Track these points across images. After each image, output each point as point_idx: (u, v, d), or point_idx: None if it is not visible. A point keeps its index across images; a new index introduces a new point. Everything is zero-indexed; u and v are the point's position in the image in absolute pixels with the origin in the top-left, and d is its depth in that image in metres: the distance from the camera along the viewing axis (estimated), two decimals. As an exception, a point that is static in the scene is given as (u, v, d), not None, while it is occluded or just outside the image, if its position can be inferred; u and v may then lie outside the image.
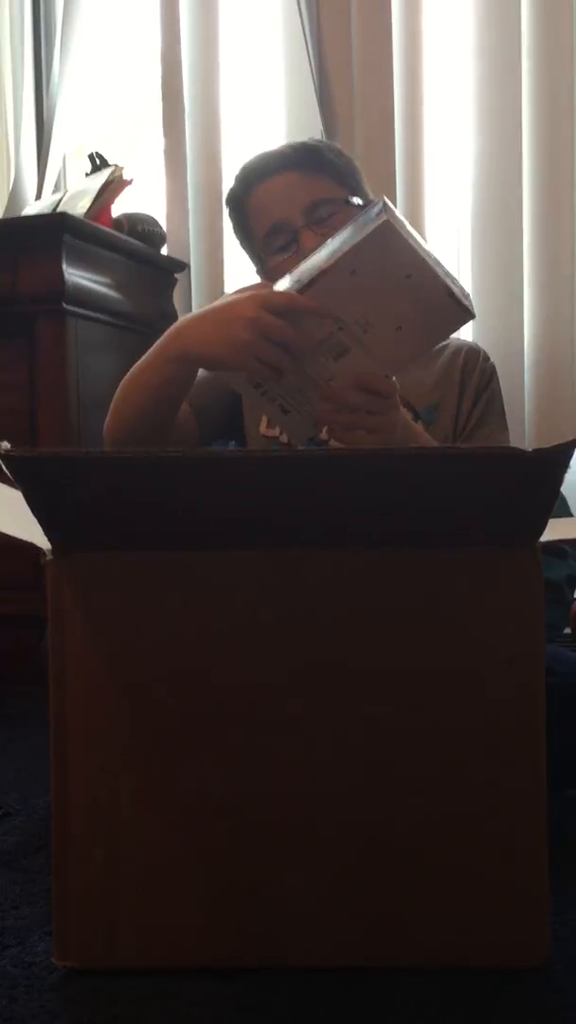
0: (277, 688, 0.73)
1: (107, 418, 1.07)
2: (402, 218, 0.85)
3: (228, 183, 1.25)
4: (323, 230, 1.10)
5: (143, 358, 1.03)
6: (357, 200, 1.17)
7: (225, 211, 1.27)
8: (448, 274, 0.86)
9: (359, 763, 0.73)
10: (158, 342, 1.00)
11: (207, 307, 0.99)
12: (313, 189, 1.15)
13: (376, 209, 0.84)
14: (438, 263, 0.85)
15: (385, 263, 0.83)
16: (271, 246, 1.17)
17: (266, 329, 0.87)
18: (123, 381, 1.06)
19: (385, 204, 0.83)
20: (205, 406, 1.18)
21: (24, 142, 2.26)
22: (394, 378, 0.92)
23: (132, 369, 1.04)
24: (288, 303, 0.87)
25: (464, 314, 0.86)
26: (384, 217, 0.82)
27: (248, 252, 1.25)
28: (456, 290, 0.85)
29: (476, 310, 0.89)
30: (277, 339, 0.87)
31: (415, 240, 0.84)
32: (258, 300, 0.88)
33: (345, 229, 0.87)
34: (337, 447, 0.98)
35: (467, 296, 0.87)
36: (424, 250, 0.84)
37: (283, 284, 0.90)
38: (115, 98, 2.37)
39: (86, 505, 0.70)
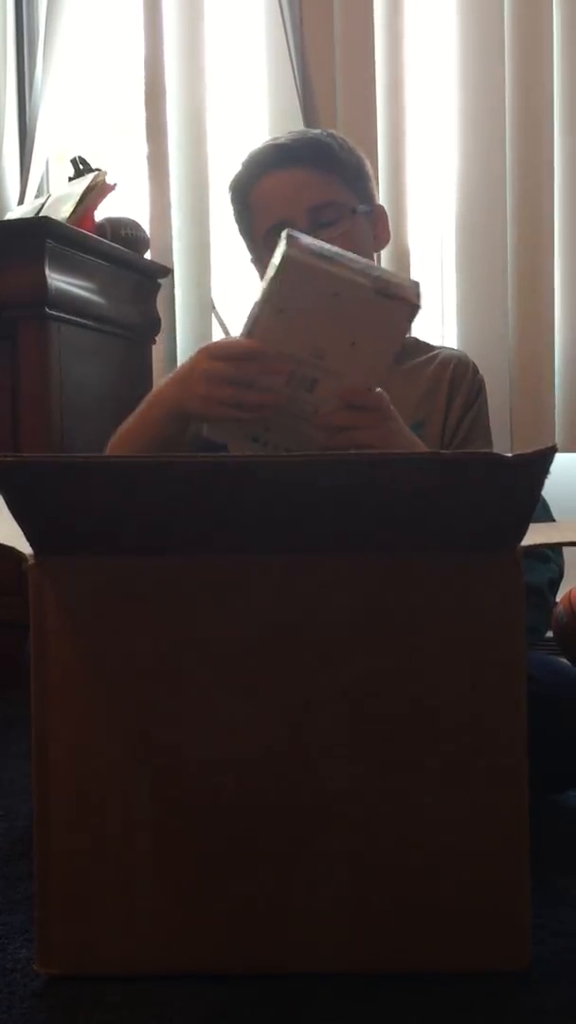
0: (260, 692, 0.73)
1: None
2: (309, 241, 0.84)
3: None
4: (328, 236, 1.07)
5: (129, 420, 1.04)
6: (364, 208, 1.16)
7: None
8: (378, 275, 0.84)
9: (344, 772, 0.73)
10: (140, 409, 1.03)
11: (173, 371, 1.03)
12: (321, 190, 1.13)
13: (281, 245, 0.84)
14: (364, 269, 0.84)
15: (305, 293, 0.84)
16: (273, 244, 1.16)
17: (214, 375, 0.91)
18: (112, 442, 1.06)
19: (288, 236, 0.83)
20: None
21: (6, 146, 2.25)
22: (379, 389, 0.92)
23: (119, 431, 1.05)
24: (229, 349, 0.92)
25: (405, 305, 0.85)
26: (284, 253, 0.82)
27: (246, 241, 1.24)
28: (392, 288, 0.84)
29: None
30: (230, 380, 0.90)
31: (328, 257, 0.83)
32: (205, 352, 0.94)
33: (270, 267, 0.87)
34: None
35: (407, 287, 0.85)
36: (341, 263, 0.84)
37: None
38: (98, 102, 2.36)
39: (68, 510, 0.70)
